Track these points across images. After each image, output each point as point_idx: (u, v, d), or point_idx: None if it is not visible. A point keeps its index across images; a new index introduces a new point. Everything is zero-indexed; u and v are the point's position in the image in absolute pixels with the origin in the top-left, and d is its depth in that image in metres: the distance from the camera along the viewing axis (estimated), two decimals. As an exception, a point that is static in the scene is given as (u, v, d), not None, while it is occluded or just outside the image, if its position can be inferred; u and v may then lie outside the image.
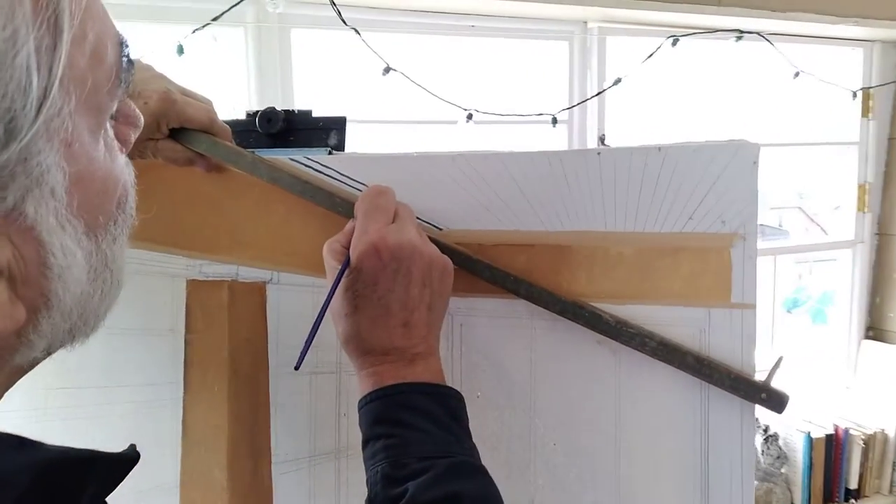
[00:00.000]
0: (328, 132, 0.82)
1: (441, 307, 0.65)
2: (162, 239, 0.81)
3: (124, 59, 0.39)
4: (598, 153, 0.69)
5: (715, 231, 0.67)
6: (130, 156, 0.72)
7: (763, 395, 0.65)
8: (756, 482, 2.25)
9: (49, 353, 0.40)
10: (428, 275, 0.62)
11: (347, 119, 0.85)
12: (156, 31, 1.52)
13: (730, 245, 0.67)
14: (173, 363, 0.82)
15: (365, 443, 0.59)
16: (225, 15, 1.54)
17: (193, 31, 1.50)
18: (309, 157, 0.75)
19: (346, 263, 0.62)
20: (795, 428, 2.34)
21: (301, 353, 0.60)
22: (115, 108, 0.40)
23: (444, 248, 0.68)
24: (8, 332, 0.34)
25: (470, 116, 1.79)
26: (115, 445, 0.83)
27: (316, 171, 0.74)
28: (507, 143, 1.95)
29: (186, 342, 0.82)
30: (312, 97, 1.70)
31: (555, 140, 2.00)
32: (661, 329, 0.68)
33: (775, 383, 0.66)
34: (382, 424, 0.58)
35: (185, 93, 0.74)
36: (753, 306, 0.66)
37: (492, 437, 0.73)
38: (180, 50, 1.47)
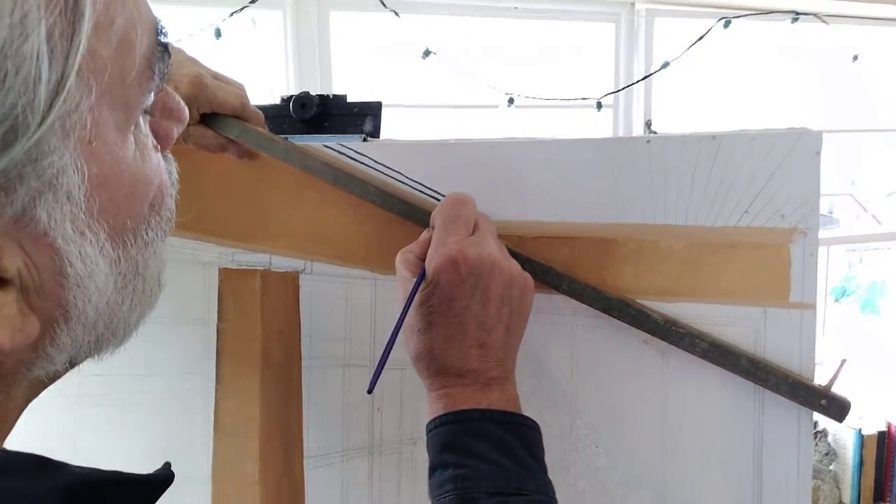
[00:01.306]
0: (363, 118, 0.79)
1: (520, 328, 0.60)
2: (194, 226, 0.79)
3: (159, 47, 0.36)
4: (648, 141, 0.65)
5: (773, 226, 0.62)
6: None
7: (823, 402, 0.61)
8: (803, 480, 2.19)
9: (73, 366, 0.38)
10: (508, 292, 0.58)
11: (386, 104, 0.82)
12: (193, 15, 1.51)
13: (789, 241, 0.62)
14: (205, 353, 0.81)
15: (432, 469, 0.55)
16: (263, -3, 1.53)
17: (231, 14, 1.48)
18: (342, 143, 0.72)
19: (422, 276, 0.58)
20: (846, 424, 2.26)
21: (374, 373, 0.55)
22: (149, 102, 0.36)
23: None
24: (19, 348, 0.31)
25: (511, 101, 1.75)
26: (148, 434, 0.83)
27: (350, 158, 0.72)
28: (550, 128, 1.91)
29: (218, 331, 0.81)
30: (351, 81, 1.67)
31: (599, 126, 1.95)
32: (712, 329, 0.64)
33: (836, 388, 0.61)
34: (452, 452, 0.54)
35: (217, 77, 0.72)
36: (813, 306, 0.62)
37: (530, 438, 0.70)
38: (218, 33, 1.45)
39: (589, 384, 0.69)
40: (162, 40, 0.36)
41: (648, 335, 0.65)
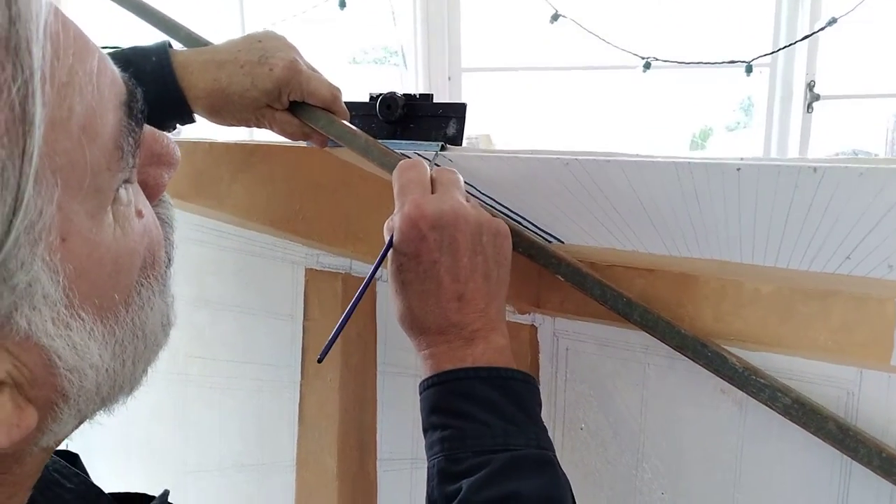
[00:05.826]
0: (447, 120, 0.77)
1: (501, 276, 0.58)
2: (282, 225, 0.82)
3: (127, 121, 0.33)
4: (738, 168, 0.58)
5: (878, 276, 0.54)
6: (246, 123, 0.72)
7: (923, 483, 0.53)
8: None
9: (82, 423, 0.38)
10: (477, 240, 0.56)
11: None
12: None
13: (896, 296, 0.53)
14: (292, 347, 0.84)
15: (424, 431, 0.56)
16: (391, -37, 1.50)
17: (357, -17, 1.47)
18: (419, 152, 0.71)
19: (391, 241, 0.58)
20: None
21: (329, 340, 0.55)
22: (125, 177, 0.34)
23: (554, 256, 0.62)
24: (18, 439, 0.31)
25: (648, 65, 1.63)
26: (243, 416, 0.88)
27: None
28: (692, 92, 1.76)
29: (304, 329, 0.83)
30: (479, 45, 1.63)
31: (751, 89, 1.77)
32: (797, 385, 0.57)
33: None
34: (439, 414, 0.54)
35: (313, 69, 0.73)
36: (920, 374, 0.53)
37: (593, 474, 0.67)
38: (342, 4, 1.45)
39: (658, 428, 0.64)
40: (138, 108, 0.34)
41: (726, 384, 0.59)
